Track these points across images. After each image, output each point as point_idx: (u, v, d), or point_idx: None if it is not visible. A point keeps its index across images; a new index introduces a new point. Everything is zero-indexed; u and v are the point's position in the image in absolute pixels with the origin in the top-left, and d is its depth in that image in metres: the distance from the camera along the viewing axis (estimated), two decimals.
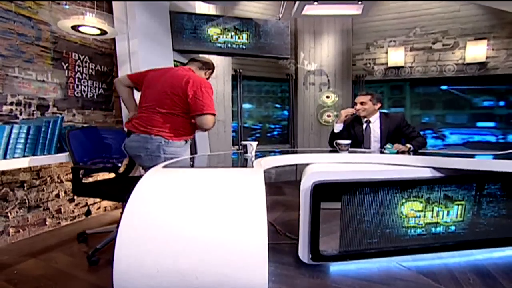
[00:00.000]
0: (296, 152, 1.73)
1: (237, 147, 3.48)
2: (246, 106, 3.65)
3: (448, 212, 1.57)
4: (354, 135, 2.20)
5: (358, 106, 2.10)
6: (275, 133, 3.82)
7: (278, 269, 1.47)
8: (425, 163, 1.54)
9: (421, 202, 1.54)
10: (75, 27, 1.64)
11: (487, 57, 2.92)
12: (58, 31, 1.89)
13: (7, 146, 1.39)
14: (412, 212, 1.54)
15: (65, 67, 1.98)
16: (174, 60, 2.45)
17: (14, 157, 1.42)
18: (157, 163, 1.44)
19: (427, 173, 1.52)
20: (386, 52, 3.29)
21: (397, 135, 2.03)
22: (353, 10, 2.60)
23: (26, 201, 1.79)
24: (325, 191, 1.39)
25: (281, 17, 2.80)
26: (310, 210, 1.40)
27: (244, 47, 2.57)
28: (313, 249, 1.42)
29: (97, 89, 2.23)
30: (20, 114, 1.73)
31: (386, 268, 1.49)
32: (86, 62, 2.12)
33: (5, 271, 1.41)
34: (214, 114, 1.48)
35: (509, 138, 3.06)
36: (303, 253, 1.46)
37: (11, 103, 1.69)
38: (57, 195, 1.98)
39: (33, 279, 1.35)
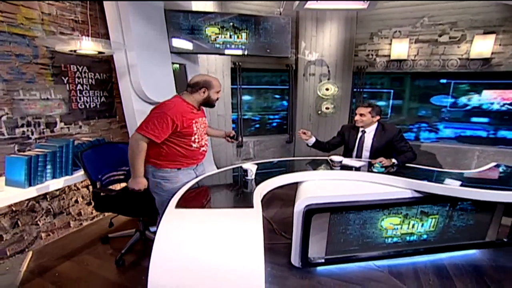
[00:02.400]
0: (293, 171, 1.88)
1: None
2: (246, 97, 3.65)
3: (422, 224, 1.81)
4: (347, 141, 2.33)
5: (357, 117, 2.18)
6: (274, 124, 3.90)
7: (273, 270, 1.76)
8: (407, 185, 1.71)
9: (400, 217, 1.76)
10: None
11: (492, 53, 2.84)
12: None
13: (30, 175, 1.53)
14: (390, 225, 1.77)
15: (65, 81, 1.99)
16: (173, 63, 2.41)
17: (37, 184, 1.58)
18: (151, 184, 1.60)
19: (408, 194, 1.70)
20: (390, 43, 3.16)
21: (389, 148, 2.14)
22: (359, 5, 2.45)
23: (51, 209, 2.01)
24: (317, 211, 1.59)
25: (282, 12, 2.64)
26: (302, 227, 1.62)
27: (243, 47, 2.49)
28: (303, 257, 1.68)
29: (99, 98, 2.26)
30: (32, 134, 1.83)
31: (364, 269, 1.78)
32: (85, 72, 2.12)
33: (48, 274, 1.70)
34: (143, 135, 1.41)
35: (499, 134, 3.17)
36: (295, 259, 1.73)
37: (22, 125, 1.77)
38: (76, 201, 2.20)
39: (73, 281, 1.64)
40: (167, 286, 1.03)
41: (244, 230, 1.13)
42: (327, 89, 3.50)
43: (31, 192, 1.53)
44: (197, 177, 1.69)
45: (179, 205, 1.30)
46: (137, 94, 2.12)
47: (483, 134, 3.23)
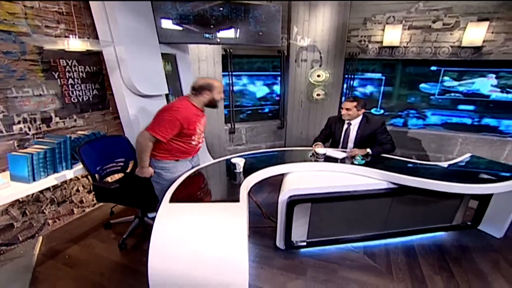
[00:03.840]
0: (278, 163, 2.00)
1: (229, 125, 3.68)
2: (238, 84, 3.65)
3: (396, 211, 1.99)
4: (333, 133, 2.44)
5: (344, 112, 2.26)
6: (266, 110, 3.95)
7: (261, 251, 1.97)
8: (383, 177, 1.85)
9: (376, 205, 1.93)
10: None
11: (484, 41, 2.84)
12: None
13: (33, 171, 1.65)
14: (367, 212, 1.95)
15: (56, 76, 2.01)
16: (162, 53, 2.40)
17: (41, 178, 1.70)
18: (153, 174, 1.77)
19: (383, 185, 1.85)
20: (383, 29, 3.12)
21: (373, 139, 2.25)
22: None
23: (55, 199, 2.16)
24: (299, 201, 1.75)
25: None
26: (285, 215, 1.79)
27: (233, 36, 2.47)
28: (286, 240, 1.88)
29: (91, 90, 2.29)
30: (29, 130, 1.90)
31: (342, 250, 1.99)
32: (74, 66, 2.12)
33: (59, 256, 1.89)
34: (152, 135, 1.57)
35: (483, 121, 3.29)
36: (279, 242, 1.94)
37: (19, 122, 1.84)
38: (77, 190, 2.34)
39: (83, 262, 1.84)
40: (164, 270, 1.20)
41: (231, 223, 1.28)
42: (318, 76, 3.51)
43: (36, 186, 1.65)
44: (193, 167, 1.87)
45: (173, 199, 1.44)
46: (128, 88, 2.15)
47: (468, 121, 3.35)
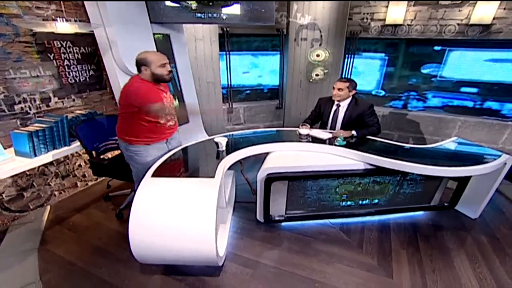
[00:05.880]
0: (264, 142, 2.06)
1: (228, 104, 3.73)
2: (236, 63, 3.62)
3: (374, 191, 2.06)
4: (322, 113, 2.45)
5: (335, 92, 2.26)
6: (265, 90, 3.94)
7: (244, 224, 2.13)
8: (361, 158, 1.90)
9: (353, 185, 2.01)
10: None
11: (494, 18, 2.64)
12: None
13: (34, 148, 1.82)
14: (345, 191, 2.04)
15: (51, 57, 2.11)
16: (154, 33, 2.42)
17: (41, 154, 1.87)
18: (126, 157, 1.82)
19: (361, 166, 1.90)
20: (387, 6, 2.94)
21: (360, 121, 2.26)
22: None
23: (59, 173, 2.37)
24: (276, 179, 1.85)
25: None
26: (263, 191, 1.91)
27: (226, 16, 2.43)
28: (265, 214, 2.02)
29: (87, 71, 2.38)
30: (30, 109, 2.05)
31: (320, 225, 2.12)
32: (69, 47, 2.20)
33: (64, 223, 2.13)
34: None
35: (485, 104, 3.16)
36: (259, 216, 2.08)
37: (19, 102, 1.98)
38: (80, 165, 2.54)
39: (84, 228, 2.07)
40: (142, 236, 1.37)
41: (202, 196, 1.40)
42: (318, 55, 3.42)
43: (38, 161, 1.84)
44: (170, 150, 1.85)
45: (155, 174, 1.57)
46: (121, 69, 2.23)
47: (470, 104, 3.23)
